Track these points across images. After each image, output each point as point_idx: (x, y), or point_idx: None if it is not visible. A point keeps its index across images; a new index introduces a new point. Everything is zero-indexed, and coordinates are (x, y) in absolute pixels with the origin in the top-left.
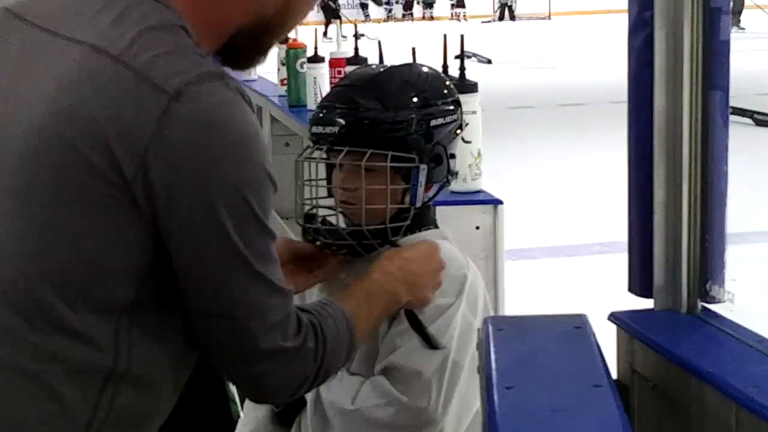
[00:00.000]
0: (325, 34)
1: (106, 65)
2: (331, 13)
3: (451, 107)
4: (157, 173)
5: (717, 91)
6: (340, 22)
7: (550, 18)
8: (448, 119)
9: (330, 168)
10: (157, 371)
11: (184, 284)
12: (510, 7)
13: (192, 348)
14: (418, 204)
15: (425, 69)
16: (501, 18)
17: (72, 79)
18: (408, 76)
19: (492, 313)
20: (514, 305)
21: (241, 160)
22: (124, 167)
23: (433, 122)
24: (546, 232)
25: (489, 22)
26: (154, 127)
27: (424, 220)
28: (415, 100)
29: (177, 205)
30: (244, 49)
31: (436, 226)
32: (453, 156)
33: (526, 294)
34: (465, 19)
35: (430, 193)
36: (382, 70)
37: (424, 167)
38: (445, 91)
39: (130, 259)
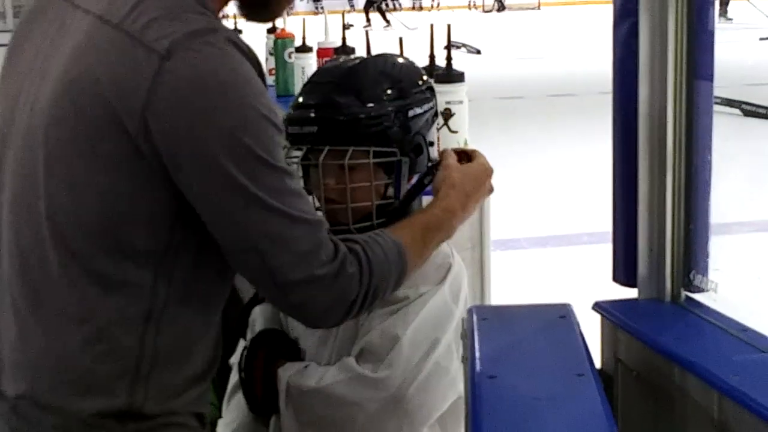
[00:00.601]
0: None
1: (108, 33)
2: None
3: (427, 95)
4: (156, 129)
5: (701, 80)
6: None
7: (539, 8)
8: (425, 107)
9: (307, 167)
10: (193, 310)
11: (209, 227)
12: None
13: (223, 282)
14: (398, 197)
15: (399, 59)
16: (500, 9)
17: (81, 49)
18: (383, 67)
19: (471, 305)
20: (501, 295)
21: (233, 107)
22: (127, 125)
23: (411, 113)
24: (535, 222)
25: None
26: (149, 86)
27: (408, 211)
28: (390, 92)
29: (180, 158)
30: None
31: None
32: (432, 144)
33: (515, 284)
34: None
35: (409, 185)
36: (356, 62)
37: (406, 160)
38: (420, 81)
39: (153, 208)
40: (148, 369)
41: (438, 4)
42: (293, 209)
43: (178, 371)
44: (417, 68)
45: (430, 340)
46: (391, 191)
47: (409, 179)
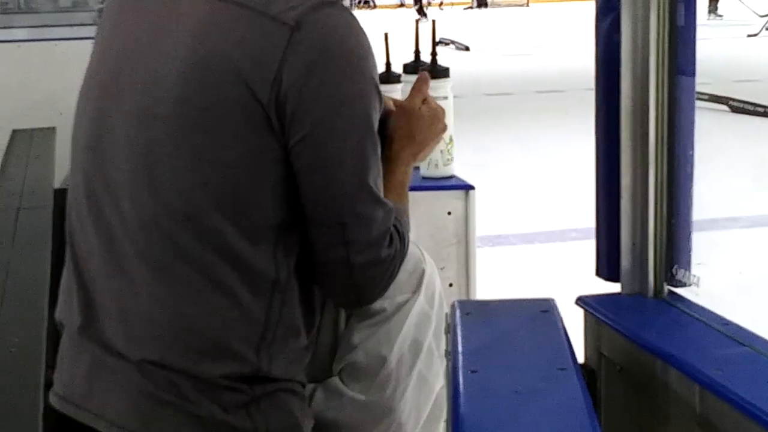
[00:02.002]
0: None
1: (231, 10)
2: None
3: None
4: (286, 94)
5: (684, 76)
6: None
7: (528, 5)
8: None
9: None
10: (309, 280)
11: (304, 196)
12: None
13: None
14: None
15: None
16: (480, 5)
17: (204, 28)
18: None
19: (455, 299)
20: (489, 291)
21: (359, 77)
22: (260, 96)
23: None
24: (523, 218)
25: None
26: (282, 56)
27: None
28: None
29: (306, 124)
30: None
31: None
32: None
33: (503, 280)
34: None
35: None
36: None
37: None
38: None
39: (276, 180)
40: (272, 336)
41: (429, 3)
42: (380, 191)
43: (297, 339)
44: None
45: (414, 352)
46: None
47: None
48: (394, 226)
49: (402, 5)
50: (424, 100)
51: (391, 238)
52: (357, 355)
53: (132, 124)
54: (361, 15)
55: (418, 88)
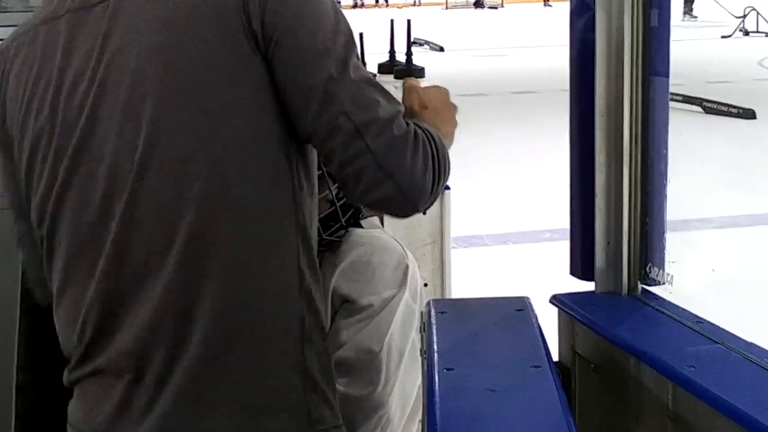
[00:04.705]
0: None
1: None
2: None
3: None
4: (270, 21)
5: (657, 76)
6: None
7: (503, 6)
8: None
9: None
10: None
11: (299, 111)
12: None
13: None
14: None
15: None
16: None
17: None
18: None
19: (430, 298)
20: (463, 292)
21: (335, 13)
22: (234, 25)
23: None
24: (497, 219)
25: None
26: None
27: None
28: None
29: (277, 24)
30: None
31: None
32: None
33: (477, 280)
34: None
35: None
36: None
37: None
38: None
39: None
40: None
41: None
42: (377, 85)
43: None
44: None
45: (401, 346)
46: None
47: None
48: (415, 124)
49: (356, 6)
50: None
51: (407, 124)
52: (347, 352)
53: (120, 121)
54: None
55: (409, 89)
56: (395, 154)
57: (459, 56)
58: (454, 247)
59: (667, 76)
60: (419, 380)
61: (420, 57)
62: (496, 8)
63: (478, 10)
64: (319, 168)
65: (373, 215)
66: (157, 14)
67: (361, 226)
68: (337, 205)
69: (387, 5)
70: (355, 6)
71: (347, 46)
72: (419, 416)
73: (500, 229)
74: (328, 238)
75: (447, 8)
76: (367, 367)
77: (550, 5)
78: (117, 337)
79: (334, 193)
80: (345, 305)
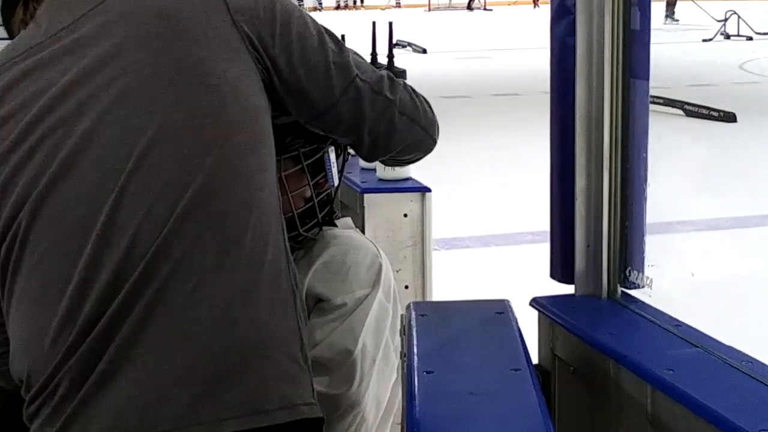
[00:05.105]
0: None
1: None
2: None
3: None
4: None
5: (638, 79)
6: None
7: (486, 8)
8: None
9: None
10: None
11: (317, 89)
12: None
13: None
14: (335, 183)
15: None
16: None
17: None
18: None
19: (411, 301)
20: (445, 293)
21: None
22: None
23: None
24: (479, 221)
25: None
26: None
27: (332, 204)
28: None
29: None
30: None
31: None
32: None
33: (458, 283)
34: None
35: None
36: None
37: (331, 148)
38: None
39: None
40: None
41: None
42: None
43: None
44: None
45: (375, 345)
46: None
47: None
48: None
49: (339, 7)
50: None
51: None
52: (322, 351)
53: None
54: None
55: None
56: (409, 101)
57: (441, 58)
58: (436, 249)
59: (648, 79)
60: (393, 379)
61: (403, 59)
62: (491, 10)
63: (465, 12)
64: (299, 163)
65: (347, 216)
66: (153, 10)
67: (335, 226)
68: (315, 201)
69: (362, 5)
70: (338, 7)
71: (325, 30)
72: (393, 416)
73: (482, 231)
74: (305, 234)
75: (430, 10)
76: (343, 366)
77: (539, 6)
78: None
79: (313, 189)
80: (319, 304)
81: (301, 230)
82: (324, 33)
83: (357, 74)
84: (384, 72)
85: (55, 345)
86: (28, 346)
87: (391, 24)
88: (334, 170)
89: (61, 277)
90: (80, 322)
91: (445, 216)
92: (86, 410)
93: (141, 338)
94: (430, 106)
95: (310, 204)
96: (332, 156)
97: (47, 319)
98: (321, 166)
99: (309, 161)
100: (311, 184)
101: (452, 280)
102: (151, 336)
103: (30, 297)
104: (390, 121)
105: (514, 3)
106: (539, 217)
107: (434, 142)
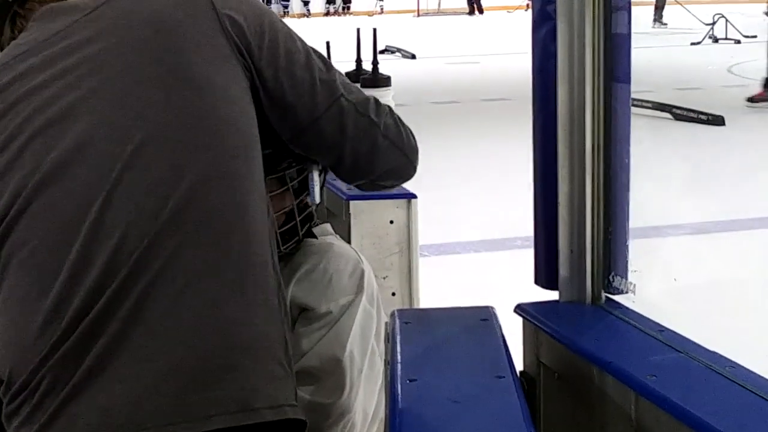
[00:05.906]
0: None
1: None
2: None
3: None
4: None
5: (619, 83)
6: None
7: (474, 13)
8: None
9: None
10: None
11: (300, 103)
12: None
13: None
14: (318, 201)
15: None
16: (471, 12)
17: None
18: None
19: (397, 308)
20: (432, 300)
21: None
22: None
23: None
24: (468, 227)
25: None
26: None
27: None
28: None
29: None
30: None
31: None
32: None
33: (447, 289)
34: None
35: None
36: None
37: (315, 167)
38: None
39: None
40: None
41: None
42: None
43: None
44: None
45: (362, 351)
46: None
47: None
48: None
49: (328, 14)
50: None
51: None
52: (310, 360)
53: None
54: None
55: None
56: (393, 126)
57: (431, 63)
58: (425, 255)
59: (629, 83)
60: (379, 384)
61: (392, 65)
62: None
63: (453, 18)
64: (284, 184)
65: (326, 222)
66: (145, 17)
67: (314, 236)
68: (297, 219)
69: (349, 12)
70: (327, 14)
71: (313, 50)
72: (380, 417)
73: (471, 237)
74: (287, 252)
75: (419, 15)
76: (332, 374)
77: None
78: None
79: (295, 206)
80: (304, 314)
81: (282, 248)
82: (311, 52)
83: (342, 93)
84: (371, 96)
85: (40, 341)
86: (11, 343)
87: (375, 30)
88: (317, 189)
89: (49, 274)
90: (67, 318)
91: (433, 222)
92: (70, 408)
93: (128, 335)
94: (413, 135)
95: (293, 223)
96: (315, 175)
97: (33, 315)
98: (305, 186)
99: (293, 182)
100: (295, 204)
101: (441, 286)
102: (138, 333)
103: (17, 294)
104: (373, 142)
105: (508, 8)
106: (529, 222)
107: (414, 170)
